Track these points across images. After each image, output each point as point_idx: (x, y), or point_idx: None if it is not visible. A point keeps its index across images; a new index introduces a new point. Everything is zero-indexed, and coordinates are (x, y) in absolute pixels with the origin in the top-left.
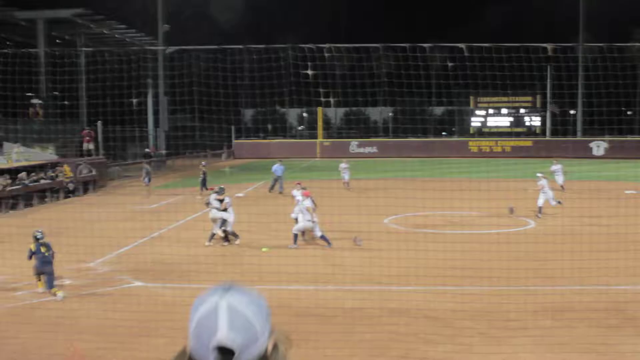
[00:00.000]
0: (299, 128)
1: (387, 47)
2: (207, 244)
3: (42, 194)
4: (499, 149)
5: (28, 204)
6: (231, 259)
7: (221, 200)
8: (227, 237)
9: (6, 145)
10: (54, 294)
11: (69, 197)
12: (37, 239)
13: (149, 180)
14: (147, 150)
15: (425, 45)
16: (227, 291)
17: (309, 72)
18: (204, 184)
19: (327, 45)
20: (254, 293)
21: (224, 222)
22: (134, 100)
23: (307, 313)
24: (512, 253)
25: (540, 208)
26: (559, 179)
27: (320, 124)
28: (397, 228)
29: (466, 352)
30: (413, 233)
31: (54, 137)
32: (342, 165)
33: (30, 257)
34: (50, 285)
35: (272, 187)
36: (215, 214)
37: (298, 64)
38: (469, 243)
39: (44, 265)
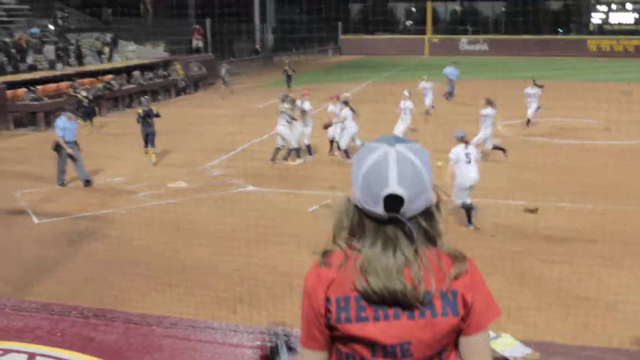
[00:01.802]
0: (407, 23)
1: None
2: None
3: (156, 92)
4: (620, 49)
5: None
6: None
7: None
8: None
9: (121, 43)
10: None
11: (181, 95)
12: (142, 106)
13: (227, 81)
14: (256, 46)
15: None
16: (394, 142)
17: None
18: (288, 83)
19: None
20: (417, 144)
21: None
22: None
23: None
24: (632, 167)
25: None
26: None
27: (429, 19)
28: (507, 135)
29: (585, 273)
30: (524, 142)
31: (164, 34)
32: (423, 84)
33: (138, 121)
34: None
35: (450, 94)
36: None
37: None
38: (585, 153)
39: (147, 128)
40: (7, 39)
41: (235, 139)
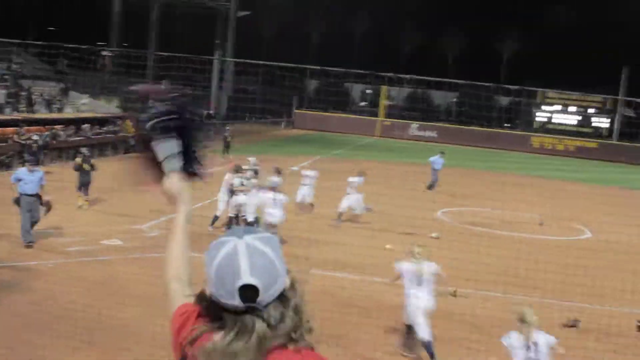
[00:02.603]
0: (361, 104)
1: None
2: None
3: (104, 147)
4: (562, 147)
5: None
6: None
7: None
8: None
9: (72, 94)
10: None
11: (129, 152)
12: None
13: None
14: (210, 111)
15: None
16: (243, 234)
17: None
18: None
19: None
20: (266, 233)
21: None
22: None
23: (350, 303)
24: (563, 264)
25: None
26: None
27: (382, 102)
28: (449, 222)
29: None
30: (465, 230)
31: (119, 90)
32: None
33: (76, 169)
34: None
35: (432, 186)
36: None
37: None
38: (521, 245)
39: (84, 177)
40: None
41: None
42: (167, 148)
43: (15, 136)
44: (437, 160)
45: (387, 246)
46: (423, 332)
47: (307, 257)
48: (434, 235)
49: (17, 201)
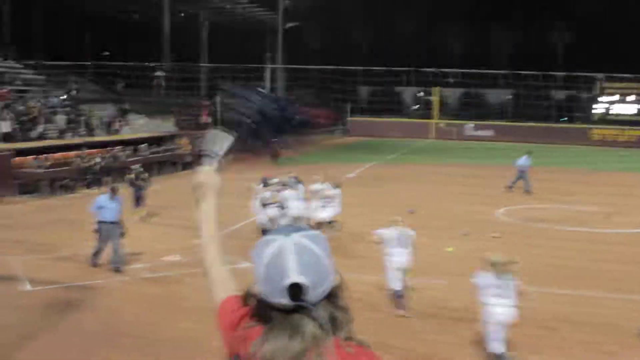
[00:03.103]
0: (413, 107)
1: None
2: None
3: (162, 165)
4: (624, 139)
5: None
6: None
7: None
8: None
9: (129, 116)
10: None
11: (187, 169)
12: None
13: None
14: None
15: None
16: (291, 231)
17: None
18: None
19: None
20: (314, 232)
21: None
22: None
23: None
24: (629, 256)
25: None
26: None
27: (436, 104)
28: (509, 220)
29: None
30: (526, 227)
31: (174, 108)
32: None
33: (130, 184)
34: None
35: (514, 183)
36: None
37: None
38: (585, 242)
39: (138, 191)
40: (21, 107)
41: (239, 212)
42: (217, 140)
43: (77, 159)
44: (525, 161)
45: (449, 249)
46: (395, 284)
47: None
48: (495, 235)
49: (97, 231)
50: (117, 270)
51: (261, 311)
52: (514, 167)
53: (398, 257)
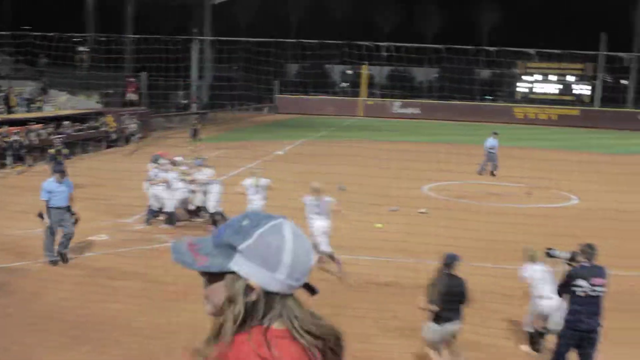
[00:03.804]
0: (342, 85)
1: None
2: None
3: (85, 143)
4: (545, 117)
5: (70, 152)
6: None
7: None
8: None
9: (52, 92)
10: None
11: (111, 147)
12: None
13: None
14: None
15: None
16: (278, 216)
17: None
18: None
19: None
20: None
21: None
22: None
23: (340, 282)
24: (552, 229)
25: None
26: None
27: (364, 82)
28: (436, 197)
29: (493, 336)
30: (452, 203)
31: (98, 85)
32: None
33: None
34: None
35: (493, 170)
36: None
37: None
38: (508, 216)
39: (57, 166)
40: None
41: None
42: None
43: None
44: (493, 142)
45: (378, 225)
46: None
47: None
48: (422, 210)
49: (41, 215)
50: (63, 257)
51: (265, 306)
52: (484, 149)
53: (319, 222)
